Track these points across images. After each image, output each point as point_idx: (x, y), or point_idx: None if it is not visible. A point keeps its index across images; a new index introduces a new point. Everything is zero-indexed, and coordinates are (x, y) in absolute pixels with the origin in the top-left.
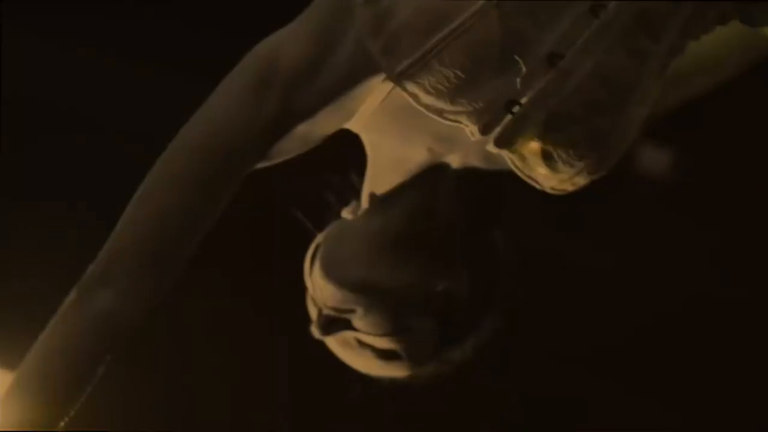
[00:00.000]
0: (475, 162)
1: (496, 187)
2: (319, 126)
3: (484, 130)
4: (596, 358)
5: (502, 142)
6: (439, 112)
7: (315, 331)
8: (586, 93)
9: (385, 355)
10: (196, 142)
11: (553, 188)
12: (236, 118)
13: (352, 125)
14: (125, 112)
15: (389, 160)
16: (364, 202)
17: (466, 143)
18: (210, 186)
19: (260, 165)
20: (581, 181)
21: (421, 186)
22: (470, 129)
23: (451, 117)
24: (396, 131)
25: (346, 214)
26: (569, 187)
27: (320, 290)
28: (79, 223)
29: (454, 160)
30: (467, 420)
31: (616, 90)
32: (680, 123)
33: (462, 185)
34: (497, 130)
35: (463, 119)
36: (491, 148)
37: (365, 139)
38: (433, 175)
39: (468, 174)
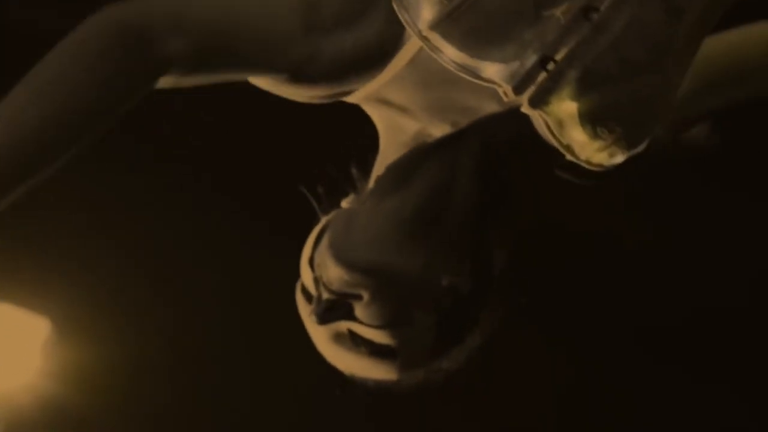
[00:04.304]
0: (500, 138)
1: (514, 176)
2: (343, 84)
3: (518, 89)
4: (652, 339)
5: (537, 101)
6: (471, 71)
7: (311, 319)
8: (622, 50)
9: (378, 351)
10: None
11: (588, 160)
12: (262, 39)
13: (371, 98)
14: None
15: (408, 137)
16: (374, 185)
17: (492, 117)
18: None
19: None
20: (618, 152)
21: (441, 161)
22: (503, 89)
23: (484, 75)
24: (420, 105)
25: (345, 204)
26: (605, 160)
27: (326, 273)
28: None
29: (477, 136)
30: (519, 388)
31: (652, 47)
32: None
33: (482, 164)
34: (531, 88)
35: (496, 78)
36: (526, 108)
37: (383, 117)
38: (454, 150)
39: (489, 153)
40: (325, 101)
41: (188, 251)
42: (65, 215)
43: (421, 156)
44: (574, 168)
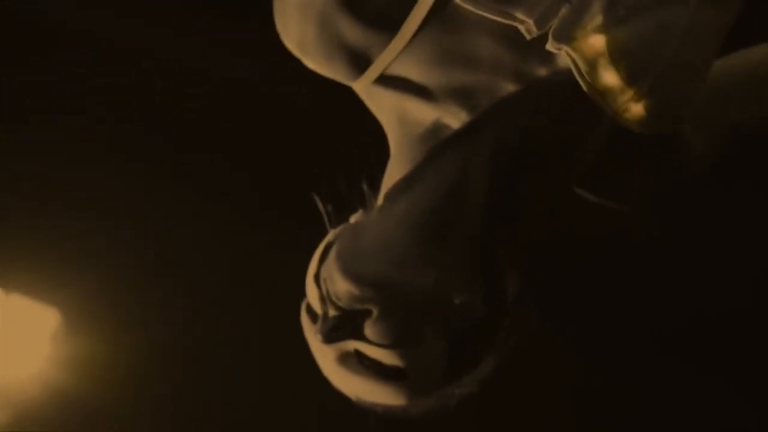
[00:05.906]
0: (514, 136)
1: (527, 181)
2: (376, 32)
3: (540, 22)
4: (664, 341)
5: (562, 34)
6: (491, 7)
7: (317, 338)
8: None
9: (387, 374)
10: None
11: (626, 109)
12: None
13: (388, 78)
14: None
15: (424, 130)
16: (384, 196)
17: (509, 103)
18: None
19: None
20: (655, 105)
21: (454, 159)
22: (525, 24)
23: (505, 9)
24: (438, 83)
25: (354, 219)
26: (644, 117)
27: (334, 287)
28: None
29: (492, 130)
30: (529, 390)
31: None
32: None
33: (496, 163)
34: (554, 21)
35: (518, 13)
36: (550, 45)
37: (396, 107)
38: (468, 144)
39: (503, 153)
40: (346, 66)
41: (198, 245)
42: (75, 207)
43: (432, 156)
44: (593, 185)
